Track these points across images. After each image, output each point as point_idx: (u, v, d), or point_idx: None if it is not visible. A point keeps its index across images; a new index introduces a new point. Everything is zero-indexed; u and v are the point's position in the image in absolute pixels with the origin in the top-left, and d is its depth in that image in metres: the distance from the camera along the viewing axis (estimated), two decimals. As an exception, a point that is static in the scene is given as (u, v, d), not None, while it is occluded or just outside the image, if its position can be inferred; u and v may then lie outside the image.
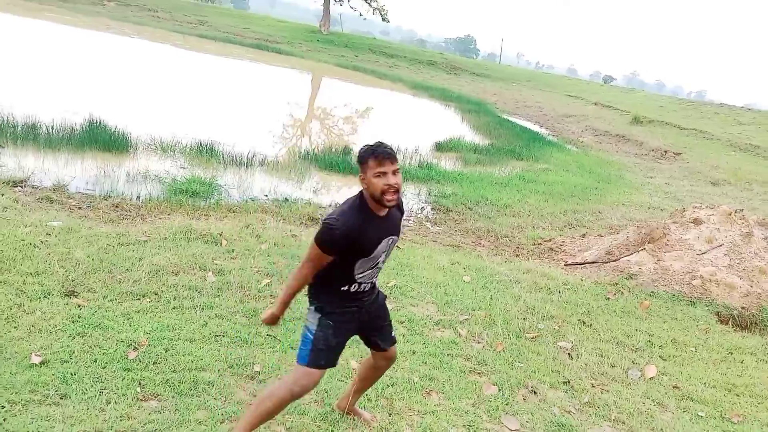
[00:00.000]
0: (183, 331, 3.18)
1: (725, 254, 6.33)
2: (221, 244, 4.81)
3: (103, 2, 35.38)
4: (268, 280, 4.18)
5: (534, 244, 7.45)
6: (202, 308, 3.56)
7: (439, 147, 13.02)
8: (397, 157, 2.43)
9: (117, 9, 34.71)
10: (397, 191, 2.39)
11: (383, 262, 2.55)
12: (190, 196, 6.83)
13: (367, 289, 2.57)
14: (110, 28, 25.53)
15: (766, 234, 6.83)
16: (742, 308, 5.58)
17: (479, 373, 3.31)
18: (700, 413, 3.19)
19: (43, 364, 2.65)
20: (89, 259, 3.96)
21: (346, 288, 2.50)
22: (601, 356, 3.79)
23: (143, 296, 3.56)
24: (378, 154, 2.36)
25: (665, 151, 18.55)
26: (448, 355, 3.36)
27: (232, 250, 4.72)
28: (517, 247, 7.25)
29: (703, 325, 4.84)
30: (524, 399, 3.11)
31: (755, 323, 5.43)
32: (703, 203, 7.69)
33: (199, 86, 16.28)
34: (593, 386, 3.34)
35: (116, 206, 6.01)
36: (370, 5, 42.95)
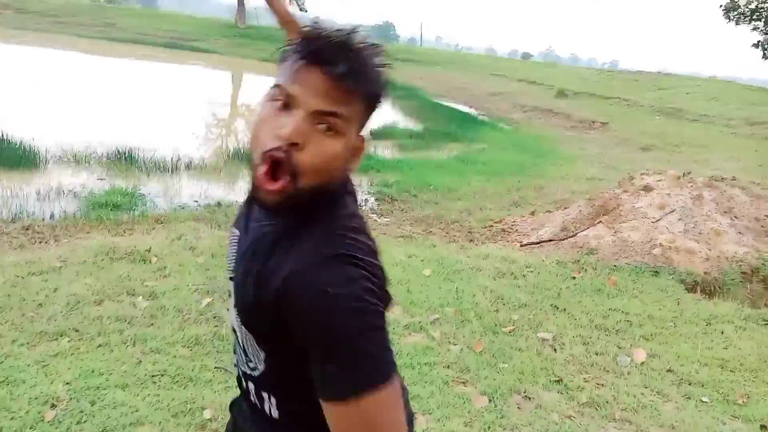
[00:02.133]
0: (112, 375, 2.65)
1: (679, 219, 6.23)
2: (151, 262, 4.25)
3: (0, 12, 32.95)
4: (209, 299, 3.67)
5: (485, 227, 7.19)
6: (134, 342, 3.02)
7: (374, 135, 12.61)
8: (372, 91, 0.97)
9: (16, 17, 32.37)
10: (288, 175, 0.91)
11: (243, 344, 1.07)
12: (111, 209, 6.15)
13: (240, 377, 1.15)
14: (9, 38, 23.67)
15: (714, 195, 6.80)
16: (705, 273, 5.47)
17: (464, 382, 2.94)
18: (703, 398, 2.94)
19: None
20: (-7, 296, 3.34)
21: None
22: (585, 344, 3.51)
23: (61, 335, 2.99)
24: (307, 46, 0.93)
25: (593, 122, 18.86)
26: (426, 364, 2.98)
27: (164, 268, 4.16)
28: (469, 232, 6.97)
29: (673, 296, 4.67)
30: (519, 408, 2.76)
31: (720, 287, 5.34)
32: (650, 170, 7.63)
33: (112, 91, 15.19)
34: (587, 381, 3.04)
35: (26, 228, 5.30)
36: (287, -4, 41.86)
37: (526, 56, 69.61)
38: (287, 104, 0.92)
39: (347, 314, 0.87)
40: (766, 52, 30.40)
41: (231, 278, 1.12)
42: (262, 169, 0.90)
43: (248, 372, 1.08)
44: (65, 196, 6.60)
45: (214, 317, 3.44)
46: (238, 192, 7.72)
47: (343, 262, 0.90)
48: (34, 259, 4.08)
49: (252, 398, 1.09)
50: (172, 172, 8.16)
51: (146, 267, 4.14)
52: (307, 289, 0.88)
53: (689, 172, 7.21)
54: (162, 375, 2.72)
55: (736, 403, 2.91)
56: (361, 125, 0.98)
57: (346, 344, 0.87)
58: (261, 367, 1.03)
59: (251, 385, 1.09)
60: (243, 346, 1.07)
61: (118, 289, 3.65)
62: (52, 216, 5.87)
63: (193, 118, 12.93)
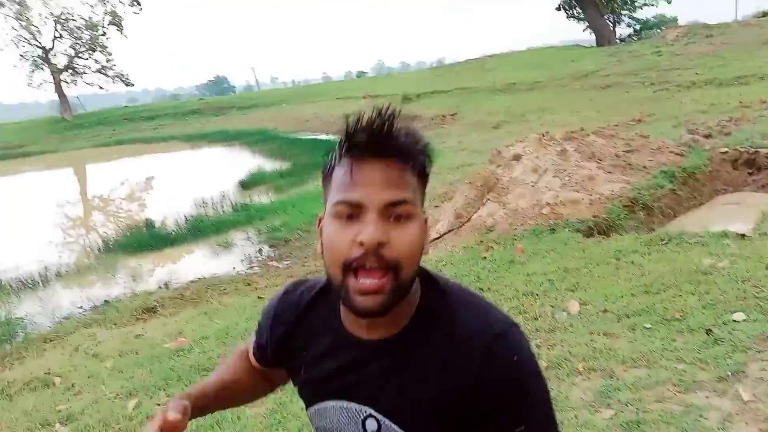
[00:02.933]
0: None
1: (554, 176, 6.60)
2: (55, 385, 3.81)
3: None
4: (135, 401, 3.34)
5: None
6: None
7: (244, 185, 12.34)
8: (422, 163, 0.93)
9: None
10: (386, 271, 0.86)
11: None
12: (-11, 345, 5.49)
13: None
14: None
15: (575, 146, 7.30)
16: (594, 216, 5.83)
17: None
18: (646, 325, 3.09)
19: None
20: None
21: None
22: (522, 312, 3.59)
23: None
24: (355, 141, 0.88)
25: (443, 116, 19.70)
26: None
27: (72, 386, 3.75)
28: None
29: (577, 246, 4.90)
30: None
31: (611, 225, 5.71)
32: (514, 141, 8.04)
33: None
34: (539, 346, 3.10)
35: None
36: (106, 75, 40.08)
37: (361, 74, 71.60)
38: (351, 214, 0.88)
39: (540, 378, 0.94)
40: (567, 12, 33.44)
41: (332, 391, 1.02)
42: (363, 283, 0.87)
43: None
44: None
45: (148, 416, 3.12)
46: (122, 285, 7.19)
47: (517, 329, 0.95)
48: None
49: None
50: (43, 285, 7.46)
51: (52, 391, 3.71)
52: (513, 350, 0.92)
53: (548, 132, 7.68)
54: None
55: (675, 320, 3.08)
56: (422, 202, 0.94)
57: (542, 406, 0.94)
58: None
59: None
60: None
61: (29, 425, 3.22)
62: None
63: (48, 225, 11.95)
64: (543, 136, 7.58)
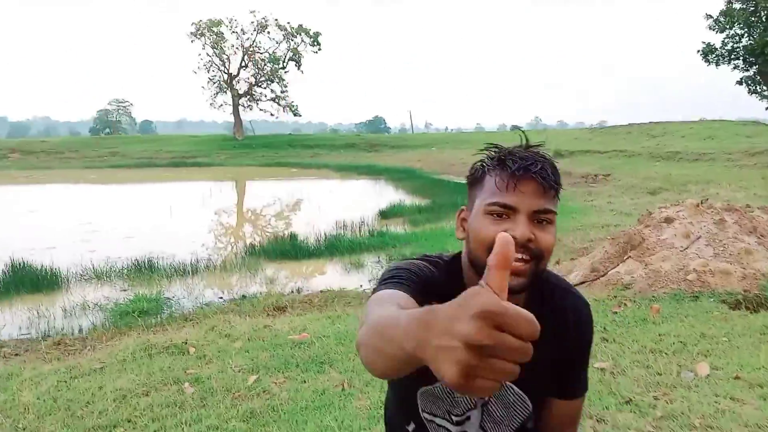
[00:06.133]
0: (173, 453, 2.58)
1: (707, 245, 6.18)
2: (189, 353, 4.20)
3: (7, 156, 34.32)
4: (255, 376, 3.60)
5: (513, 282, 7.13)
6: (189, 423, 2.95)
7: (384, 215, 12.78)
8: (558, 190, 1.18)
9: (23, 159, 33.68)
10: (531, 258, 1.11)
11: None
12: (138, 315, 6.15)
13: None
14: (17, 179, 24.48)
15: (736, 218, 6.77)
16: (745, 291, 5.36)
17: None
18: (781, 397, 2.81)
19: None
20: (40, 401, 3.29)
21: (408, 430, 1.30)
22: (645, 367, 3.40)
23: (114, 427, 2.92)
24: (515, 166, 1.12)
25: (595, 176, 19.09)
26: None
27: (204, 356, 4.11)
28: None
29: (719, 315, 4.55)
30: (594, 430, 2.64)
31: (762, 303, 5.21)
32: (668, 204, 7.64)
33: (124, 212, 15.56)
34: (657, 399, 2.92)
35: (57, 344, 5.28)
36: (279, 104, 43.62)
37: (515, 128, 71.24)
38: (502, 214, 1.11)
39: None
40: (749, 87, 31.11)
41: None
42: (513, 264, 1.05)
43: None
44: (91, 309, 6.62)
45: (264, 391, 3.36)
46: (260, 284, 7.74)
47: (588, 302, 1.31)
48: (74, 365, 4.05)
49: None
50: (192, 274, 8.21)
51: (186, 357, 4.09)
52: (590, 317, 1.29)
53: (707, 199, 7.21)
54: (223, 448, 2.65)
55: (814, 395, 2.78)
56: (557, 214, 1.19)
57: (589, 358, 1.32)
58: (515, 426, 1.25)
59: None
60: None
61: (162, 380, 3.59)
62: (80, 330, 5.87)
63: (204, 228, 13.16)
64: (701, 203, 7.13)
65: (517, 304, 1.00)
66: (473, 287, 0.62)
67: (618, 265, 6.10)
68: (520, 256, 1.07)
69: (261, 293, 7.08)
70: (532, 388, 1.20)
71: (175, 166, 29.70)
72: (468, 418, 1.22)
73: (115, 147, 38.55)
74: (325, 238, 9.93)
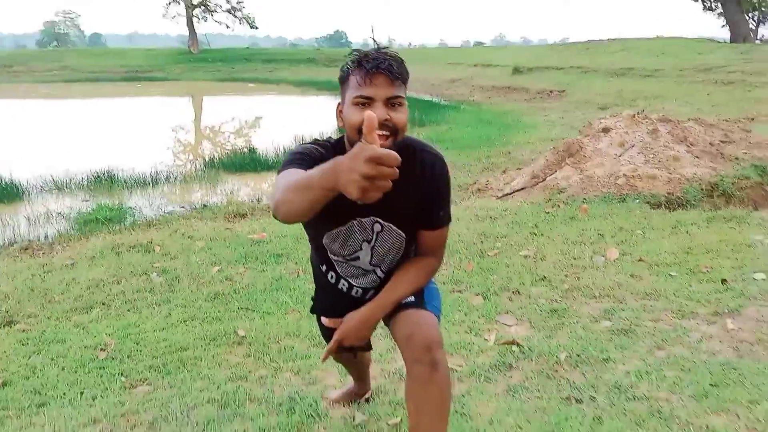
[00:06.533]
0: (147, 325, 2.94)
1: (639, 153, 6.65)
2: (155, 251, 4.51)
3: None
4: (218, 267, 3.96)
5: (461, 190, 7.55)
6: (159, 304, 3.31)
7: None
8: (405, 79, 1.51)
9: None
10: (390, 133, 1.46)
11: (378, 265, 1.67)
12: (103, 223, 6.39)
13: (357, 295, 1.73)
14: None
15: (669, 128, 7.24)
16: (668, 194, 5.88)
17: (460, 291, 3.28)
18: (671, 273, 3.31)
19: (5, 384, 2.35)
20: (17, 291, 3.58)
21: (323, 269, 1.75)
22: (564, 254, 3.87)
23: (91, 308, 3.26)
24: (369, 65, 1.45)
25: (551, 91, 19.42)
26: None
27: (169, 253, 4.43)
28: (448, 196, 7.33)
29: (640, 213, 5.05)
30: (510, 300, 3.11)
31: (683, 204, 5.75)
32: (608, 116, 8.06)
33: (80, 127, 15.31)
34: (567, 276, 3.40)
35: (26, 248, 5.51)
36: (235, 16, 42.06)
37: (478, 44, 70.53)
38: (364, 103, 1.46)
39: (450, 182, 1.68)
40: (705, 3, 31.38)
41: (353, 214, 1.61)
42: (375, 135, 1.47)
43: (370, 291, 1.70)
44: (55, 218, 6.80)
45: (227, 279, 3.73)
46: (221, 194, 7.98)
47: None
48: (45, 263, 4.33)
49: (374, 291, 1.69)
50: (153, 185, 8.39)
51: (152, 254, 4.40)
52: (443, 166, 1.64)
53: (643, 110, 7.65)
54: (192, 319, 3.01)
55: (700, 272, 3.28)
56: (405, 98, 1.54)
57: (449, 198, 1.69)
58: (397, 256, 1.68)
59: (381, 280, 1.70)
60: (372, 265, 1.67)
61: (132, 272, 3.91)
62: (47, 236, 6.08)
63: (164, 141, 13.13)
64: (637, 114, 7.57)
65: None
66: (360, 143, 1.05)
67: (556, 171, 6.55)
68: (381, 132, 1.42)
69: (221, 203, 7.35)
70: (404, 226, 1.63)
71: (129, 81, 28.82)
72: (358, 257, 1.66)
73: (66, 60, 36.95)
74: (284, 151, 10.13)
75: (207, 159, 9.98)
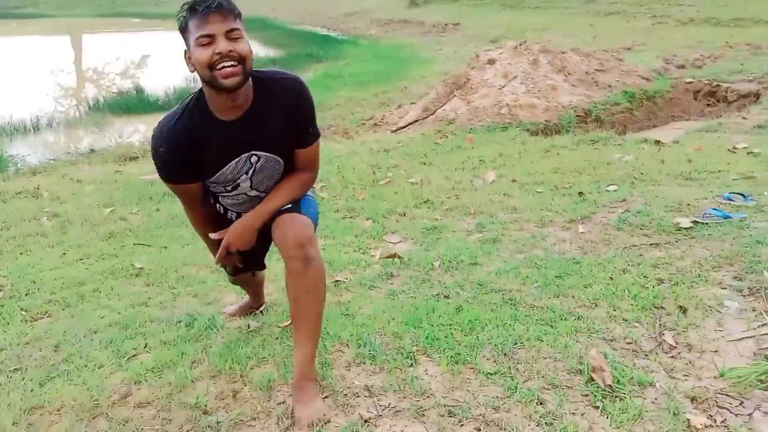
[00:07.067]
0: (43, 264, 2.96)
1: (521, 83, 7.06)
2: (43, 197, 4.41)
3: None
4: (110, 209, 3.96)
5: (359, 125, 7.72)
6: (52, 246, 3.31)
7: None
8: (239, 14, 1.63)
9: None
10: (237, 62, 1.57)
11: (258, 188, 1.83)
12: (-18, 173, 6.07)
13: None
14: None
15: (549, 59, 7.69)
16: (546, 121, 6.35)
17: (352, 217, 3.51)
18: (538, 190, 3.70)
19: None
20: None
21: (211, 201, 1.94)
22: (447, 179, 4.17)
23: (-20, 255, 3.22)
24: (201, 8, 1.56)
25: (445, 25, 19.64)
26: (319, 213, 3.49)
27: (57, 198, 4.36)
28: (345, 131, 7.48)
29: (519, 140, 5.44)
30: (397, 221, 3.37)
31: (559, 130, 6.24)
32: (493, 47, 8.40)
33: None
34: (448, 198, 3.70)
35: None
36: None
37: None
38: (209, 41, 1.56)
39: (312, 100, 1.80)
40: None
41: (230, 155, 1.75)
42: (226, 70, 1.57)
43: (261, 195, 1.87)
44: (-75, 170, 6.37)
45: (120, 219, 3.75)
46: (109, 138, 7.70)
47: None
48: None
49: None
50: (34, 131, 7.98)
51: (40, 200, 4.31)
52: (302, 88, 1.76)
53: (524, 41, 8.03)
54: (88, 257, 3.06)
55: (563, 187, 3.69)
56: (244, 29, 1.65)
57: (314, 115, 1.80)
58: (277, 176, 1.83)
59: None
60: (254, 190, 1.83)
61: (20, 217, 3.84)
62: None
63: (43, 83, 12.28)
64: (520, 45, 7.96)
65: (244, 105, 1.72)
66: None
67: (445, 104, 6.85)
68: (230, 63, 1.57)
69: (110, 146, 7.12)
70: (280, 151, 1.79)
71: (-3, 19, 26.24)
72: (238, 186, 1.82)
73: None
74: (174, 90, 9.82)
75: (91, 102, 9.52)
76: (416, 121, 6.89)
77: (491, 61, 7.46)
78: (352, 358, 1.93)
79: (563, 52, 8.25)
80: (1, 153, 6.89)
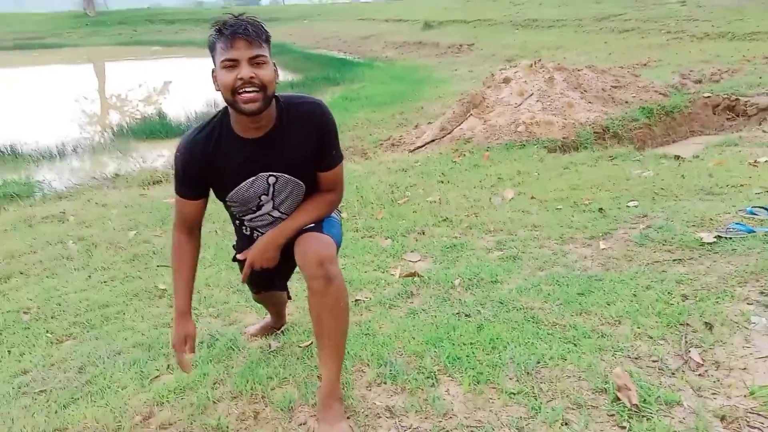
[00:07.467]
0: (68, 287, 3.01)
1: (537, 101, 7.07)
2: (69, 221, 4.51)
3: None
4: (135, 231, 4.03)
5: (377, 146, 7.78)
6: (78, 270, 3.37)
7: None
8: (266, 38, 1.66)
9: None
10: (259, 89, 1.60)
11: (280, 209, 1.84)
12: (11, 198, 6.20)
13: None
14: None
15: (564, 76, 7.70)
16: (563, 138, 6.34)
17: (371, 236, 3.52)
18: (558, 207, 3.68)
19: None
20: (-75, 266, 3.54)
21: (237, 224, 1.98)
22: (465, 197, 4.18)
23: (9, 278, 3.28)
24: (227, 32, 1.60)
25: (460, 45, 19.78)
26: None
27: (83, 222, 4.44)
28: (363, 152, 7.54)
29: (537, 157, 5.44)
30: (416, 240, 3.38)
31: (577, 147, 6.23)
32: (508, 65, 8.43)
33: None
34: (467, 216, 3.71)
35: (-74, 229, 5.32)
36: (132, -25, 39.73)
37: (390, -1, 69.74)
38: (232, 66, 1.61)
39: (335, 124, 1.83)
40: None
41: (248, 173, 1.78)
42: (246, 95, 1.62)
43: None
44: (-46, 197, 6.52)
45: (144, 241, 3.81)
46: (132, 163, 7.85)
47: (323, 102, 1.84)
48: (-49, 239, 4.24)
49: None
50: (60, 157, 8.14)
51: (66, 225, 4.40)
52: (324, 111, 1.79)
53: (539, 60, 8.06)
54: (112, 280, 3.11)
55: (582, 204, 3.67)
56: (271, 55, 1.70)
57: (337, 138, 1.85)
58: (300, 198, 1.86)
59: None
60: (276, 210, 1.85)
61: (47, 241, 3.92)
62: (-51, 215, 5.86)
63: (68, 112, 12.56)
64: (535, 63, 7.98)
65: (266, 126, 1.76)
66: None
67: (462, 123, 6.88)
68: (252, 89, 1.61)
69: (134, 171, 7.25)
70: (297, 173, 1.81)
71: (22, 49, 26.93)
72: (261, 208, 1.84)
73: (-57, 29, 33.91)
74: (196, 115, 9.99)
75: (115, 128, 9.71)
76: (433, 140, 6.92)
77: (507, 80, 7.49)
78: (373, 378, 1.93)
79: (578, 70, 8.25)
80: (29, 179, 7.06)
